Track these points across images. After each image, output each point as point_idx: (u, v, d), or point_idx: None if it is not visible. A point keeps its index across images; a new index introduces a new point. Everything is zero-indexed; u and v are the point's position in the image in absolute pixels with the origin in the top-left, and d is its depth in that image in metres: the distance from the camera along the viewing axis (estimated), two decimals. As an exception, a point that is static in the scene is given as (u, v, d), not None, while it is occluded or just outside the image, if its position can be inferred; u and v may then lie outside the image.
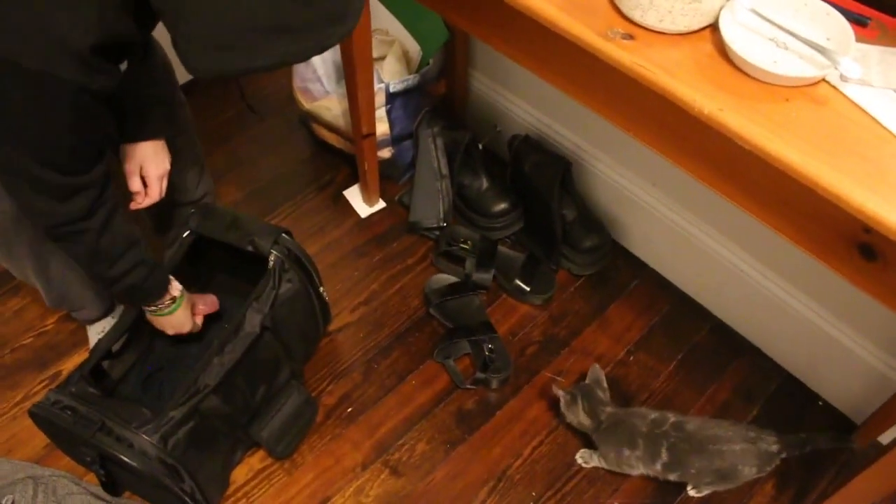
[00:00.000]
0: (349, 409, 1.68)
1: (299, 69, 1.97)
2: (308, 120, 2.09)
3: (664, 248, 1.84)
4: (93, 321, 1.75)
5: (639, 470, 1.53)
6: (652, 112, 1.06)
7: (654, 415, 1.50)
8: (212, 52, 0.87)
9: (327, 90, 1.95)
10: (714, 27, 1.00)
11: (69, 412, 1.38)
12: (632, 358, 1.76)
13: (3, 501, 1.54)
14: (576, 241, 1.83)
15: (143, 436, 1.34)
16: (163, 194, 1.43)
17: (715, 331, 1.80)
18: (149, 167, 1.39)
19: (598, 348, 1.77)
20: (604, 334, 1.80)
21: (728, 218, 1.64)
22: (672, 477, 1.50)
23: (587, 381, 1.57)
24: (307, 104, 2.00)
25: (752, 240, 1.63)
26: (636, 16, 1.00)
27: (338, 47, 1.65)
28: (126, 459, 1.33)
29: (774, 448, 1.45)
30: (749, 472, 1.46)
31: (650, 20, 0.99)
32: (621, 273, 1.90)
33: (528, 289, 1.81)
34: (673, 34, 1.00)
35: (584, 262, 1.85)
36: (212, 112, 2.27)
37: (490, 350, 1.70)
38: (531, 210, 1.88)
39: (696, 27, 1.00)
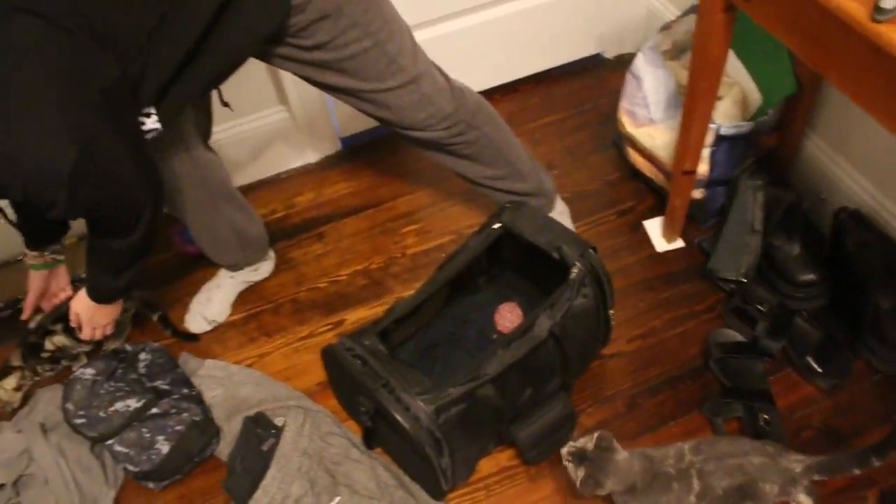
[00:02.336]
0: (604, 437, 1.66)
1: (629, 91, 1.97)
2: (624, 143, 2.08)
3: None
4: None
5: None
6: None
7: (672, 450, 1.44)
8: None
9: (652, 118, 1.93)
10: None
11: (360, 361, 1.47)
12: (917, 477, 1.59)
13: (277, 421, 1.68)
14: (885, 333, 1.68)
15: (421, 403, 1.40)
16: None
17: None
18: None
19: (882, 454, 1.62)
20: (891, 441, 1.64)
21: None
22: None
23: (593, 450, 1.41)
24: (630, 127, 1.99)
25: None
26: None
27: (686, 75, 1.62)
28: (400, 420, 1.39)
29: (797, 467, 1.37)
30: (771, 489, 1.37)
31: None
32: (926, 381, 1.72)
33: (819, 370, 1.69)
34: None
35: (889, 357, 1.69)
36: (534, 115, 2.33)
37: (766, 421, 1.60)
38: (842, 288, 1.76)
39: None
